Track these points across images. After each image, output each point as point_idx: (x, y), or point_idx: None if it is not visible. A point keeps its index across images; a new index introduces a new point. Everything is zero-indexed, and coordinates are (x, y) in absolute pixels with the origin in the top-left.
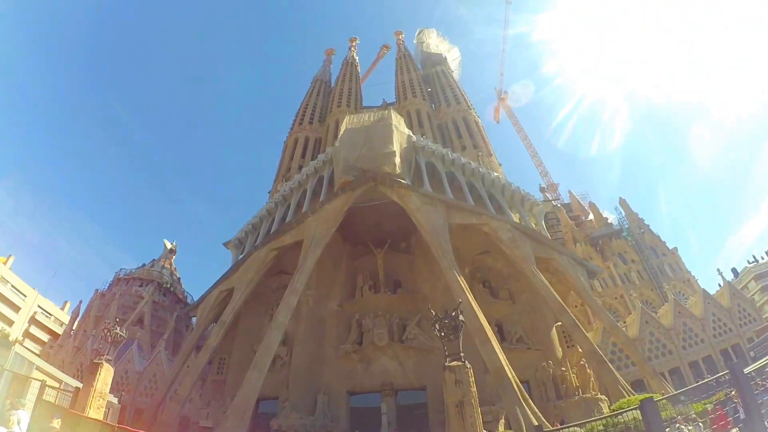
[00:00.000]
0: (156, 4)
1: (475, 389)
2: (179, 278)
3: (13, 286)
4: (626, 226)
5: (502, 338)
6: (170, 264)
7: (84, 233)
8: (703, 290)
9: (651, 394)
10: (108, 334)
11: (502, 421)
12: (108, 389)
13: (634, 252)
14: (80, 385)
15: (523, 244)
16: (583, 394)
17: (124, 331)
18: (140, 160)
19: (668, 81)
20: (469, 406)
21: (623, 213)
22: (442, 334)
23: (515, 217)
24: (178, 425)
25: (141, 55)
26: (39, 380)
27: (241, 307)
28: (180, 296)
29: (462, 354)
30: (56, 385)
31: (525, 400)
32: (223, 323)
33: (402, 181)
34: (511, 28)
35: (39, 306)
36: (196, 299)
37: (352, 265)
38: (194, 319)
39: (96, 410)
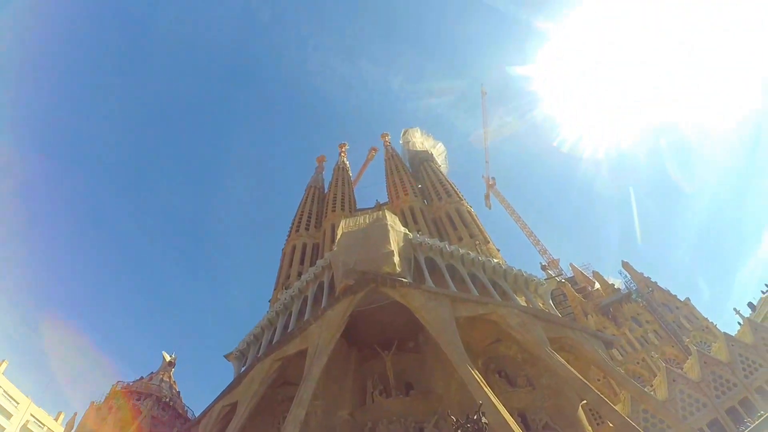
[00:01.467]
0: (152, 120)
1: None
2: (179, 392)
3: (5, 392)
4: (634, 288)
5: (527, 428)
6: (169, 377)
7: (80, 342)
8: (725, 334)
9: None
10: None
11: None
12: None
13: (647, 312)
14: None
15: (534, 327)
16: None
17: None
18: (138, 270)
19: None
20: None
21: (628, 276)
22: None
23: (521, 301)
24: None
25: (135, 172)
26: None
27: (246, 421)
28: (180, 411)
29: None
30: None
31: None
32: None
33: (403, 279)
34: (490, 119)
35: (32, 415)
36: (197, 414)
37: (359, 370)
38: None
39: None
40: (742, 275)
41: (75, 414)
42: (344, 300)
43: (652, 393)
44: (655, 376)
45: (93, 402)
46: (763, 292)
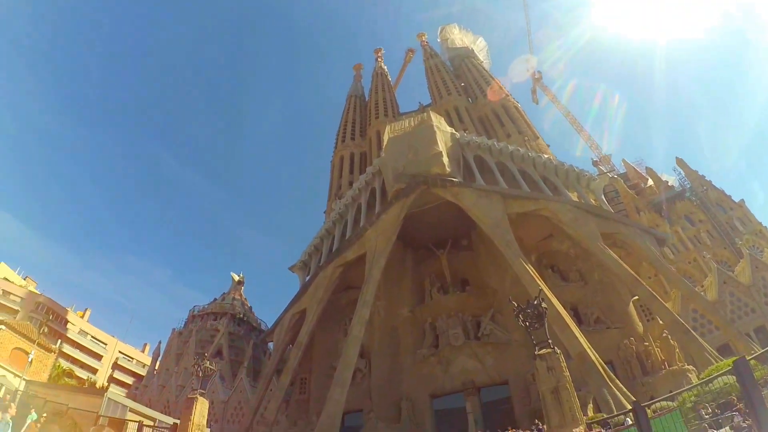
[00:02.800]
0: (184, 45)
1: (568, 374)
2: (250, 307)
3: (93, 337)
4: (688, 186)
5: (579, 321)
6: (240, 295)
7: (153, 279)
8: None
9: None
10: (198, 368)
11: (590, 405)
12: (205, 421)
13: (700, 212)
14: (173, 422)
15: (586, 223)
16: (669, 367)
17: (213, 364)
18: (193, 201)
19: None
20: (564, 391)
21: (682, 173)
22: (527, 323)
23: (573, 196)
24: None
25: (176, 99)
26: (135, 421)
27: (315, 326)
28: (254, 324)
29: (550, 341)
30: (151, 423)
31: (612, 380)
32: (300, 344)
33: (453, 179)
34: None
35: (120, 351)
36: (269, 325)
37: (417, 270)
38: (271, 345)
39: None
40: None
41: (159, 342)
42: (397, 204)
43: (702, 293)
44: (705, 276)
45: (174, 329)
46: None
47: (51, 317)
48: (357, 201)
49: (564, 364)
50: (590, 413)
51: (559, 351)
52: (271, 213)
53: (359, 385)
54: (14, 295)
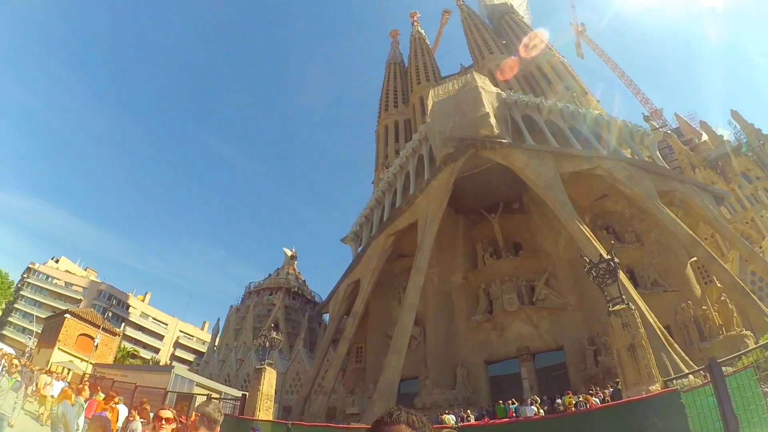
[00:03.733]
0: (223, 25)
1: (643, 330)
2: (304, 281)
3: (154, 318)
4: (744, 141)
5: (635, 284)
6: (294, 269)
7: (208, 259)
8: None
9: None
10: (266, 339)
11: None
12: (273, 391)
13: (758, 168)
14: (241, 394)
15: (642, 180)
16: (727, 332)
17: (280, 335)
18: (241, 181)
19: None
20: (641, 348)
21: (738, 126)
22: (599, 280)
23: (627, 153)
24: (326, 415)
25: (217, 80)
26: (203, 395)
27: (369, 295)
28: (308, 297)
29: (623, 296)
30: (217, 396)
31: (671, 345)
32: (355, 314)
33: (502, 141)
34: None
35: (181, 330)
36: (323, 298)
37: (468, 235)
38: (325, 316)
39: (265, 412)
40: None
41: (218, 319)
42: (446, 169)
43: (761, 255)
44: (763, 237)
45: (232, 306)
46: None
47: (113, 303)
48: (405, 169)
49: (639, 321)
50: None
51: (633, 307)
52: (320, 187)
53: (414, 352)
54: (77, 285)
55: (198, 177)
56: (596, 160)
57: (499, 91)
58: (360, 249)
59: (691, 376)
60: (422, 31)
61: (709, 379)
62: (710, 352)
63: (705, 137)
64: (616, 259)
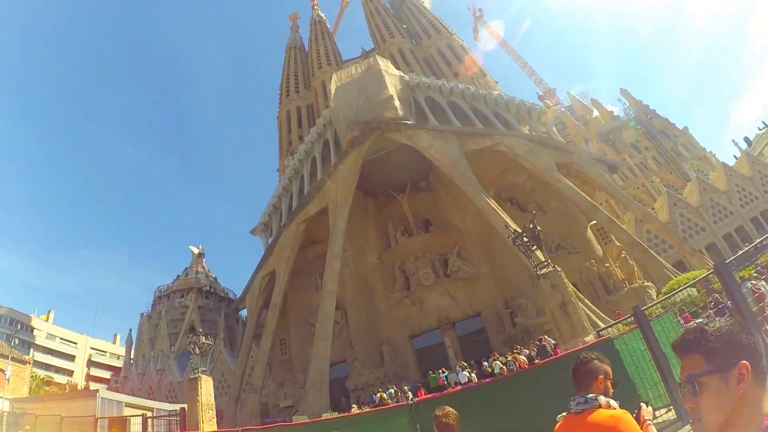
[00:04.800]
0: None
1: (572, 288)
2: (216, 278)
3: (62, 338)
4: (633, 116)
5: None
6: (203, 267)
7: (111, 267)
8: (723, 164)
9: (700, 270)
10: (195, 346)
11: None
12: (213, 399)
13: (645, 139)
14: (173, 407)
15: (541, 154)
16: (630, 285)
17: (209, 339)
18: (139, 180)
19: None
20: (571, 305)
21: (627, 103)
22: (525, 247)
23: (526, 130)
24: (260, 413)
25: (107, 72)
26: (137, 415)
27: (286, 285)
28: (222, 295)
29: (549, 261)
30: (151, 414)
31: (581, 300)
32: (275, 306)
33: (407, 122)
34: None
35: (92, 347)
36: (237, 294)
37: (379, 216)
38: (242, 312)
39: (209, 422)
40: (736, 111)
41: (129, 330)
42: (353, 152)
43: (654, 215)
44: (654, 200)
45: (142, 313)
46: (759, 129)
47: (17, 327)
48: (311, 154)
49: (566, 281)
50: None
51: (560, 269)
52: (223, 179)
53: (338, 336)
54: None
55: (90, 179)
56: (498, 137)
57: (402, 74)
58: (271, 239)
59: (620, 325)
60: (323, 15)
61: (637, 325)
62: (616, 305)
63: (596, 113)
64: (539, 227)
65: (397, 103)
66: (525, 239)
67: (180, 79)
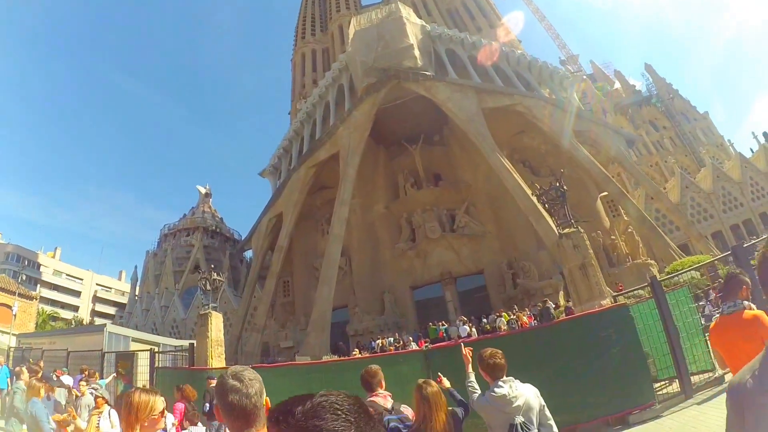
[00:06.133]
0: None
1: (592, 252)
2: (222, 218)
3: (68, 274)
4: (654, 92)
5: (549, 214)
6: (209, 207)
7: (118, 205)
8: (740, 154)
9: (704, 255)
10: (207, 282)
11: (562, 292)
12: (222, 335)
13: (665, 118)
14: (178, 343)
15: (559, 119)
16: (633, 260)
17: (221, 275)
18: (148, 118)
19: None
20: (591, 267)
21: (650, 79)
22: (549, 205)
23: (546, 93)
24: (260, 353)
25: (121, 12)
26: (144, 350)
27: (293, 228)
28: (227, 235)
29: (573, 220)
30: (157, 349)
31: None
32: (280, 248)
33: (426, 73)
34: None
35: (97, 284)
36: (242, 235)
37: (390, 166)
38: (247, 254)
39: (218, 359)
40: (759, 104)
41: (135, 267)
42: (368, 99)
43: (666, 194)
44: (666, 181)
45: (148, 251)
46: None
47: (24, 264)
48: (324, 99)
49: (588, 242)
50: (561, 300)
51: (582, 230)
52: (233, 121)
53: (341, 282)
54: None
55: (99, 116)
56: (517, 97)
57: (424, 24)
58: (280, 182)
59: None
60: None
61: (652, 295)
62: (618, 278)
63: (617, 85)
64: (565, 186)
65: (416, 52)
66: (553, 195)
67: (193, 18)
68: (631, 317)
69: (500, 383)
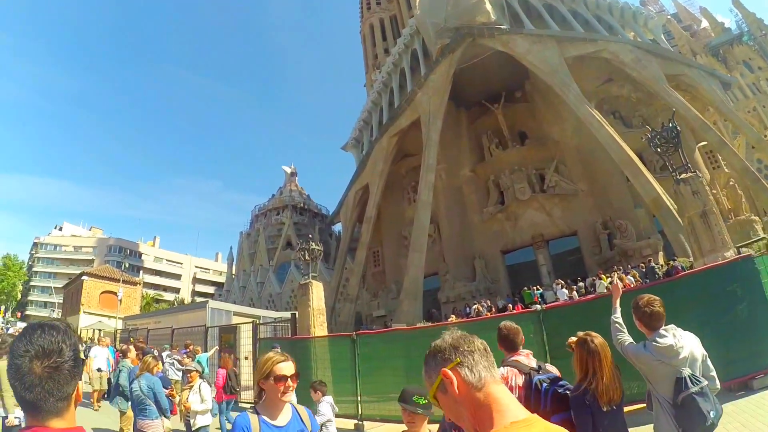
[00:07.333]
0: None
1: (713, 198)
2: (308, 195)
3: (168, 260)
4: (746, 30)
5: (663, 159)
6: (296, 186)
7: (207, 192)
8: None
9: None
10: (306, 252)
11: (661, 253)
12: (323, 305)
13: (759, 58)
14: (277, 315)
15: (650, 63)
16: (736, 216)
17: (319, 244)
18: (226, 110)
19: None
20: (712, 215)
21: (740, 15)
22: (662, 149)
23: (630, 36)
24: (354, 322)
25: (186, 14)
26: (247, 323)
27: (380, 199)
28: (315, 211)
29: (689, 164)
30: (258, 321)
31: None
32: (369, 219)
33: (501, 27)
34: None
35: (196, 266)
36: (330, 210)
37: (472, 128)
38: (335, 228)
39: (320, 327)
40: None
41: (231, 248)
42: (444, 61)
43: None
44: (765, 127)
45: (241, 232)
46: None
47: (126, 254)
48: (399, 66)
49: (708, 188)
50: (661, 260)
51: (701, 175)
52: (308, 100)
53: (431, 249)
54: (86, 246)
55: (181, 115)
56: (602, 43)
57: None
58: (363, 154)
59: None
60: None
61: None
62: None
63: (704, 24)
64: (678, 127)
65: (488, 6)
66: (666, 137)
67: (258, 5)
68: (757, 270)
69: (662, 332)
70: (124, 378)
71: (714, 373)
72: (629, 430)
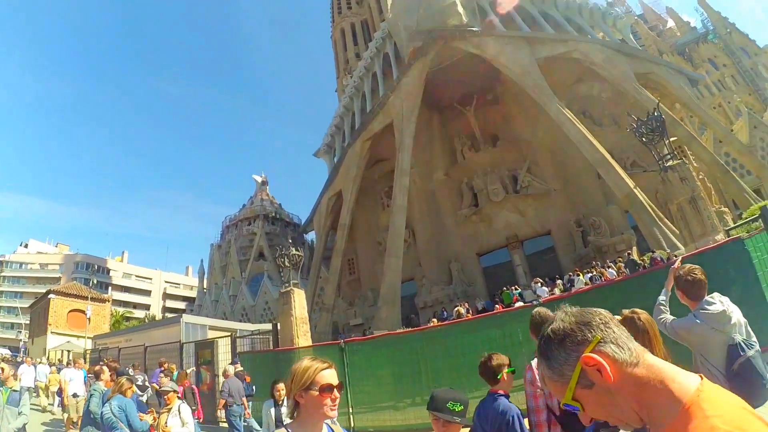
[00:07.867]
0: None
1: (700, 184)
2: (280, 204)
3: (137, 275)
4: (711, 28)
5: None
6: (267, 195)
7: (178, 204)
8: None
9: None
10: (286, 258)
11: (635, 248)
12: (306, 313)
13: (724, 55)
14: (254, 328)
15: (619, 62)
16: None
17: (299, 250)
18: (195, 118)
19: None
20: (701, 200)
21: (705, 14)
22: (648, 138)
23: (600, 36)
24: (331, 332)
25: (155, 19)
26: (224, 336)
27: (354, 205)
28: (287, 220)
29: (675, 152)
30: (236, 335)
31: (660, 219)
32: (343, 226)
33: (473, 29)
34: None
35: (166, 281)
36: (302, 218)
37: (444, 131)
38: (308, 236)
39: (304, 337)
40: None
41: (201, 261)
42: (416, 64)
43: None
44: (730, 122)
45: (212, 244)
46: None
47: (94, 270)
48: (371, 70)
49: (695, 174)
50: (635, 255)
51: (687, 162)
52: (279, 108)
53: (406, 254)
54: (52, 264)
55: (146, 122)
56: (572, 43)
57: None
58: (336, 160)
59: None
60: None
61: (764, 226)
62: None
63: (670, 24)
64: (663, 116)
65: (460, 9)
66: (651, 125)
67: (228, 10)
68: (746, 252)
69: (709, 299)
70: (95, 404)
71: (755, 340)
72: None
